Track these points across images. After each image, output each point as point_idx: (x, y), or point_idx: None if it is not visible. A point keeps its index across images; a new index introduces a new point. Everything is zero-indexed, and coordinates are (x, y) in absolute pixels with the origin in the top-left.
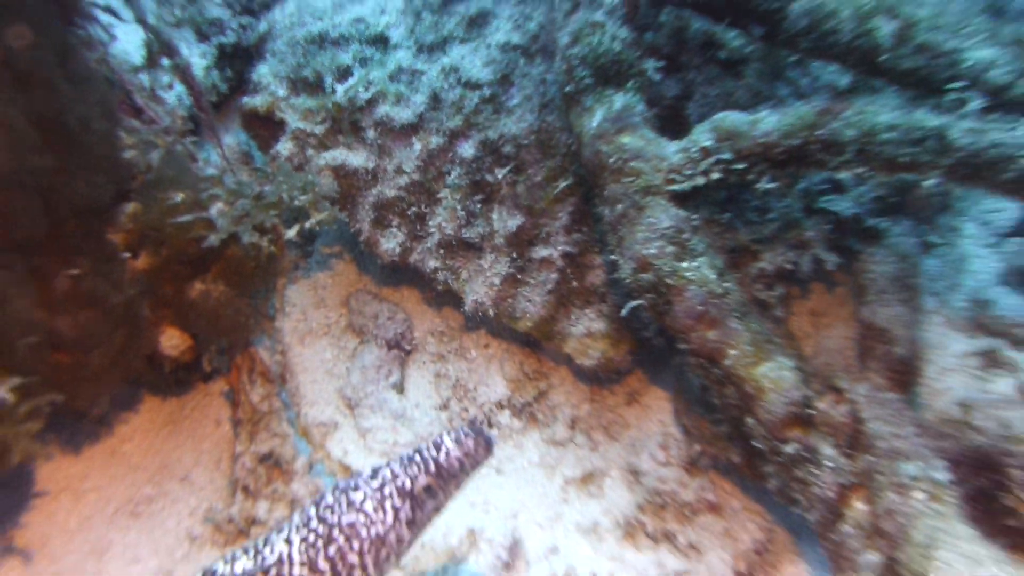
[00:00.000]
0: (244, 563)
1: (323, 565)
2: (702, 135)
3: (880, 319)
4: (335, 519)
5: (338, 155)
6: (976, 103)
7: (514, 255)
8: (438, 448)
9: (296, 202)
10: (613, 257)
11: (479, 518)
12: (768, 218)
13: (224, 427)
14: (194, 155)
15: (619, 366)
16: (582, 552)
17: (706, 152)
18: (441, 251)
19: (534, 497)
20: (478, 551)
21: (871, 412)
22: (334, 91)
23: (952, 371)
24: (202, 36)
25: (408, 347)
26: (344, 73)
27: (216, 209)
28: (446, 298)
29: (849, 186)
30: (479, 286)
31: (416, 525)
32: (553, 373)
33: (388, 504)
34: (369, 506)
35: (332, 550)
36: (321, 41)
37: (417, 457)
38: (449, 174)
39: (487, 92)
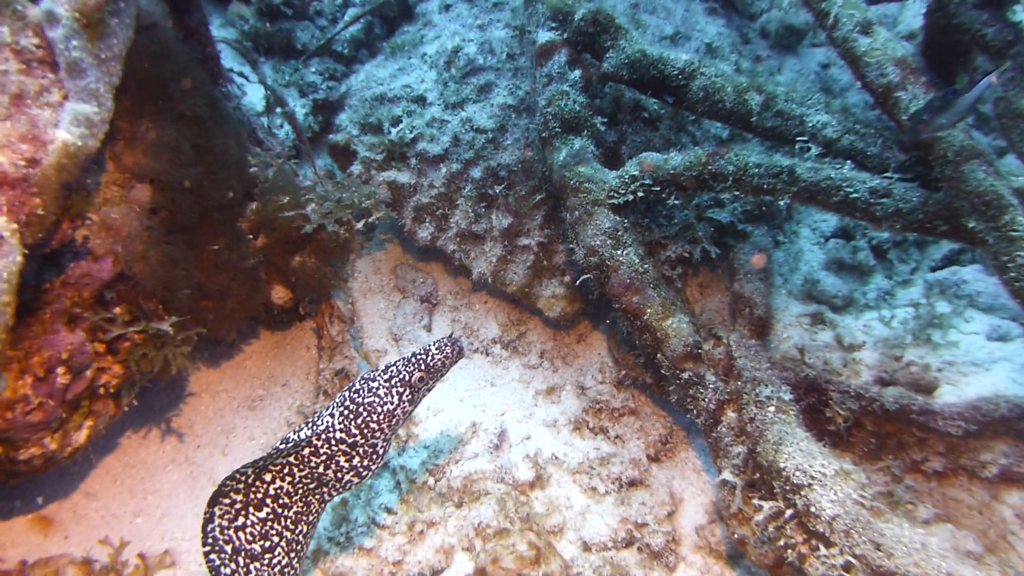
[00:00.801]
0: (304, 432)
1: (355, 431)
2: (631, 167)
3: (745, 291)
4: (360, 400)
5: (391, 175)
6: (815, 151)
7: (506, 243)
8: (427, 353)
9: (363, 204)
10: (571, 246)
11: (479, 415)
12: (673, 223)
13: (312, 351)
14: (296, 172)
15: (573, 317)
16: (546, 439)
17: (634, 179)
18: (458, 239)
19: (515, 402)
20: (478, 437)
21: (739, 352)
22: (389, 132)
23: (792, 326)
24: (302, 93)
25: (434, 302)
26: (396, 121)
27: (310, 208)
28: (460, 270)
29: (727, 203)
30: (482, 263)
31: (414, 403)
32: (529, 321)
33: (395, 390)
34: (382, 391)
35: (360, 421)
36: (381, 99)
37: (414, 358)
38: (464, 188)
39: (490, 135)
